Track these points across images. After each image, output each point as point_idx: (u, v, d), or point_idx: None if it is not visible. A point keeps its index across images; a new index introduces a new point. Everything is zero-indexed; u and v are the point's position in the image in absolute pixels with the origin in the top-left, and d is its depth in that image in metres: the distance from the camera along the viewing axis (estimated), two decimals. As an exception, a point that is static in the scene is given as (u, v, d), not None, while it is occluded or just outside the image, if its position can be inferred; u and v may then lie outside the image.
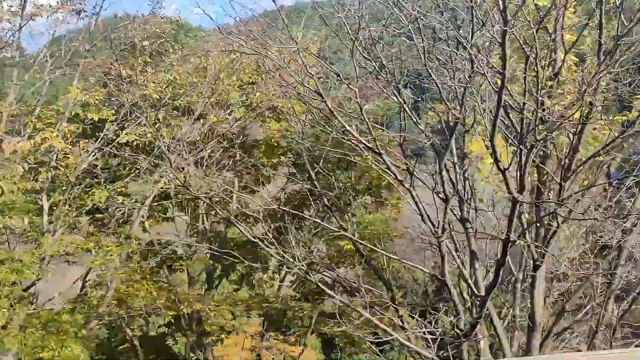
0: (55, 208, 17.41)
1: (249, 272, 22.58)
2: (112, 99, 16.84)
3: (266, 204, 14.50)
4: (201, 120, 17.19)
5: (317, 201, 19.06)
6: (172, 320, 19.19)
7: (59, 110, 16.69)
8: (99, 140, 16.48)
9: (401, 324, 14.54)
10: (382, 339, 14.35)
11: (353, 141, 12.54)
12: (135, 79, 15.81)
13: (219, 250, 15.18)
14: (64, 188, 17.36)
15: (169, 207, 20.91)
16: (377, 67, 11.09)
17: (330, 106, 10.87)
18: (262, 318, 21.49)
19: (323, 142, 16.59)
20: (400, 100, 10.97)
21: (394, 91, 11.20)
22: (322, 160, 15.66)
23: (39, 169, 15.59)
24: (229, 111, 18.78)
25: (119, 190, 16.62)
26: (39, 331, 15.00)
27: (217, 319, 18.36)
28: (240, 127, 20.40)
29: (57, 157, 15.46)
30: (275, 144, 20.20)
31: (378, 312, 14.57)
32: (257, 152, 21.18)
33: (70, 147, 14.47)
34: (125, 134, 15.40)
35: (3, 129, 15.54)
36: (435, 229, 11.68)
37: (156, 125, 15.33)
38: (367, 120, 10.75)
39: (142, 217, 19.31)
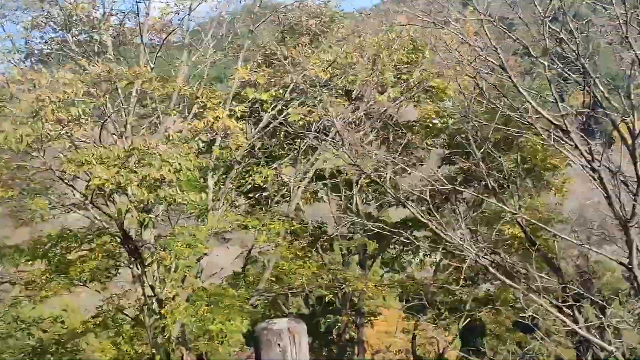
0: (216, 186, 17.98)
1: (399, 255, 22.48)
2: (272, 79, 17.00)
3: (440, 184, 14.12)
4: (364, 99, 17.05)
5: (476, 184, 18.59)
6: (333, 299, 19.33)
7: (227, 91, 17.16)
8: (264, 119, 16.77)
9: (571, 312, 13.82)
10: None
11: (529, 119, 11.97)
12: (299, 59, 15.90)
13: (386, 228, 15.00)
14: (227, 166, 17.90)
15: (321, 188, 21.07)
16: (565, 39, 10.43)
17: (514, 81, 10.36)
18: (413, 301, 21.28)
19: (485, 121, 15.99)
20: (593, 75, 10.28)
21: (583, 66, 10.51)
22: (487, 141, 15.18)
23: (211, 147, 16.07)
24: (386, 92, 18.52)
25: (283, 169, 16.88)
26: (206, 304, 15.47)
27: (374, 300, 18.35)
28: (394, 107, 20.16)
29: (225, 136, 15.83)
30: (430, 125, 19.80)
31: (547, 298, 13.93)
32: (411, 133, 20.91)
33: (240, 126, 14.75)
34: (291, 114, 15.53)
35: (174, 109, 16.14)
36: (624, 214, 10.93)
37: (320, 105, 15.35)
38: (555, 96, 10.13)
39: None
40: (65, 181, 14.21)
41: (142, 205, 13.86)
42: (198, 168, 13.99)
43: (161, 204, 14.87)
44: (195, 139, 14.01)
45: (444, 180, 14.19)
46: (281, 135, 19.96)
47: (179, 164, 12.97)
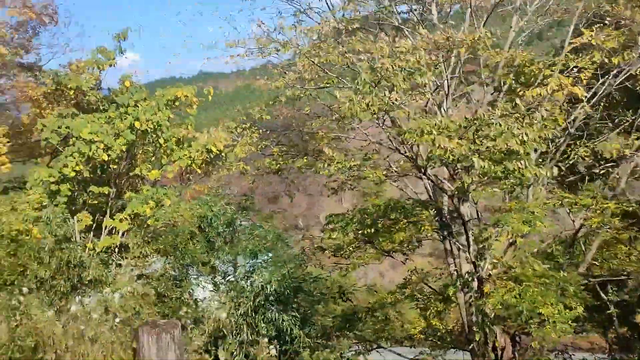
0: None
1: None
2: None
3: None
4: None
5: None
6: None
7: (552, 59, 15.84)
8: (598, 84, 15.21)
9: None
10: None
11: None
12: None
13: None
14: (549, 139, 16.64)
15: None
16: None
17: None
18: None
19: None
20: None
21: None
22: None
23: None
24: None
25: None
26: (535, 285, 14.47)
27: None
28: None
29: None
30: None
31: None
32: None
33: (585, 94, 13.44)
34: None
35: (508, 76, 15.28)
36: None
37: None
38: None
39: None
40: (403, 152, 14.12)
41: (487, 177, 13.20)
42: (544, 140, 12.93)
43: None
44: (540, 108, 13.05)
45: None
46: (601, 106, 18.18)
47: (526, 134, 12.11)
